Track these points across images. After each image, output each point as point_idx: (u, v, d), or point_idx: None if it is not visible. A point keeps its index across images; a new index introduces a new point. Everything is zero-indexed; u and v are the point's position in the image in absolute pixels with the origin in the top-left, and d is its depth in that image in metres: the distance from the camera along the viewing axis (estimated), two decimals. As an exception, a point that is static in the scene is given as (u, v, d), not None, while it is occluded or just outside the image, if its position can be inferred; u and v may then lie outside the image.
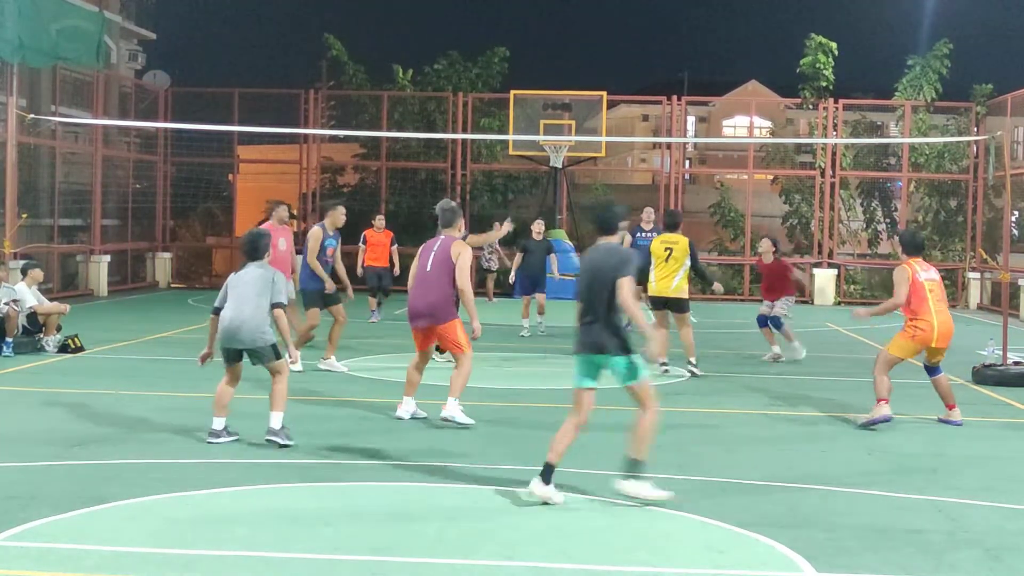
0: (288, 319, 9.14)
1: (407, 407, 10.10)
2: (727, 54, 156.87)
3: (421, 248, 10.09)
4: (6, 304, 14.05)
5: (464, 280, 9.69)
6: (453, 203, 10.61)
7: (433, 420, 9.97)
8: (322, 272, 12.91)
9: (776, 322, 15.22)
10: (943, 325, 10.31)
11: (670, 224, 13.84)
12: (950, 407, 10.65)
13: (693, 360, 13.43)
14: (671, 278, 13.30)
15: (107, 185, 26.35)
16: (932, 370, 10.68)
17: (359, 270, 18.97)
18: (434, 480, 7.81)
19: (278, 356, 8.95)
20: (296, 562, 5.91)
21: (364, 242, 19.00)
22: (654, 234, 18.94)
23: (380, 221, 19.24)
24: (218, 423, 8.96)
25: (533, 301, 17.61)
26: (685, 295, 13.42)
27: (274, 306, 8.91)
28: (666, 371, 13.29)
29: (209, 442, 8.82)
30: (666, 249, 13.37)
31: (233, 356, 9.01)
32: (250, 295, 8.87)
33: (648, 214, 18.97)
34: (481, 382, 10.60)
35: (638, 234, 18.43)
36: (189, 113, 28.28)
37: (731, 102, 54.30)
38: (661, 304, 13.45)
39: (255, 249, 9.13)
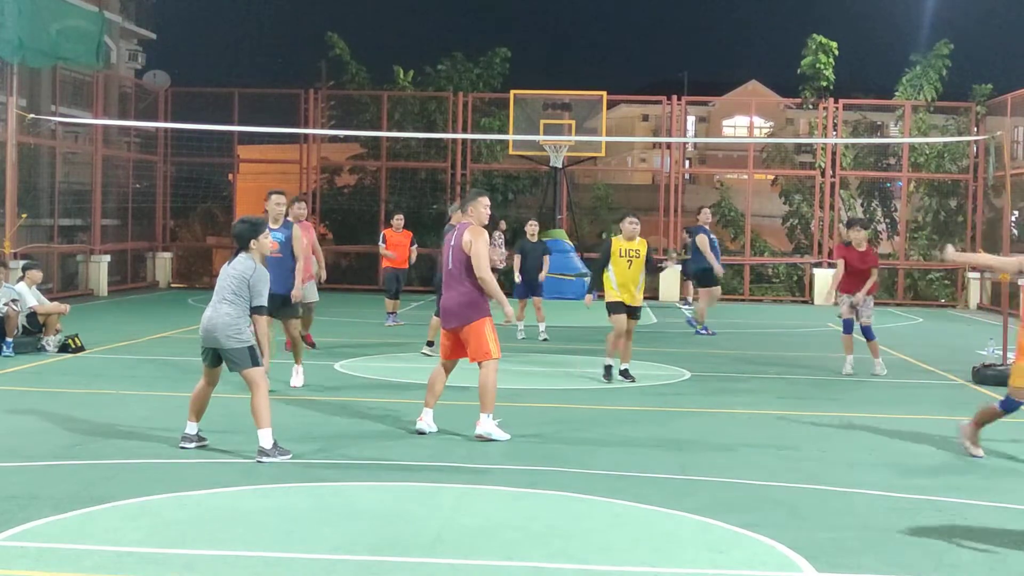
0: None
1: (428, 419, 9.41)
2: (727, 54, 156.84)
3: (444, 244, 9.64)
4: (6, 304, 14.06)
5: (482, 268, 9.09)
6: (477, 188, 10.36)
7: (440, 433, 9.98)
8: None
9: (869, 332, 13.72)
10: None
11: None
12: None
13: (607, 363, 12.75)
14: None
15: (107, 185, 26.37)
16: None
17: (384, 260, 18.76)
18: (434, 480, 7.81)
19: (255, 363, 8.39)
20: (296, 562, 5.90)
21: (384, 241, 18.70)
22: (714, 235, 18.77)
23: (399, 221, 18.84)
24: (191, 427, 8.65)
25: (529, 304, 17.17)
26: (607, 297, 12.77)
27: (252, 310, 8.42)
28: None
29: (182, 447, 8.61)
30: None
31: (210, 357, 8.55)
32: (227, 291, 8.45)
33: (706, 214, 18.92)
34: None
35: (710, 236, 18.46)
36: (189, 113, 28.32)
37: (731, 102, 54.32)
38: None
39: (236, 236, 8.65)
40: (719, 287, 18.49)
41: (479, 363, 9.23)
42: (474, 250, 9.10)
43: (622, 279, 12.55)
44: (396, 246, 18.59)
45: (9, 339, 13.93)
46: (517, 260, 17.16)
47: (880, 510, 7.29)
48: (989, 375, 13.22)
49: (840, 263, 13.84)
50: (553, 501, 7.31)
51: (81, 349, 14.34)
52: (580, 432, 9.75)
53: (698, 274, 18.78)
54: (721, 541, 6.48)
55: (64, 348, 14.25)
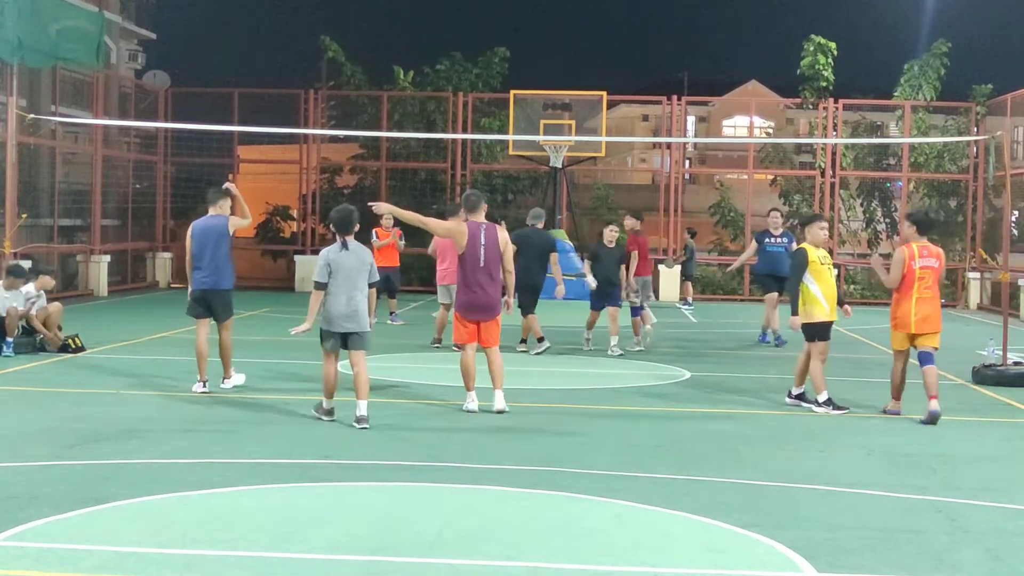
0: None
1: (475, 400, 10.51)
2: (727, 54, 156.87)
3: (466, 237, 10.38)
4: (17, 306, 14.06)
5: (511, 263, 10.62)
6: (475, 191, 11.43)
7: (437, 419, 9.99)
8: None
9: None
10: (921, 313, 10.61)
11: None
12: (932, 396, 10.53)
13: (821, 397, 11.21)
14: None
15: (107, 185, 26.36)
16: (923, 358, 10.66)
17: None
18: (434, 480, 7.81)
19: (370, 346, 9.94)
20: (296, 562, 5.90)
21: (377, 238, 18.56)
22: (784, 239, 16.78)
23: (388, 220, 18.83)
24: (327, 403, 9.89)
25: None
26: (807, 318, 11.13)
27: (371, 285, 9.94)
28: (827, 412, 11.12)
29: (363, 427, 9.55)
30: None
31: (342, 341, 9.78)
32: (361, 281, 9.77)
33: (775, 218, 17.34)
34: (482, 381, 10.61)
35: (766, 239, 16.85)
36: (189, 113, 28.29)
37: (731, 102, 54.33)
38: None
39: (348, 223, 9.90)
40: (775, 293, 16.81)
41: (490, 347, 10.54)
42: (509, 249, 10.57)
43: (828, 291, 11.12)
44: (385, 246, 18.41)
45: (9, 339, 13.92)
46: (586, 266, 15.74)
47: (880, 510, 7.29)
48: (989, 375, 13.22)
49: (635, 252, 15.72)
50: (553, 501, 7.31)
51: (81, 349, 14.34)
52: (580, 432, 9.76)
53: (759, 279, 17.91)
54: (721, 541, 6.48)
55: (64, 348, 14.24)
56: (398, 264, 18.81)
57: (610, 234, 15.56)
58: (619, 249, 15.65)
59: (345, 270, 9.60)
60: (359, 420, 9.54)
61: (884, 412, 11.04)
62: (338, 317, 9.60)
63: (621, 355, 15.08)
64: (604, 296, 15.49)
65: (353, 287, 9.61)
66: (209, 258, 11.21)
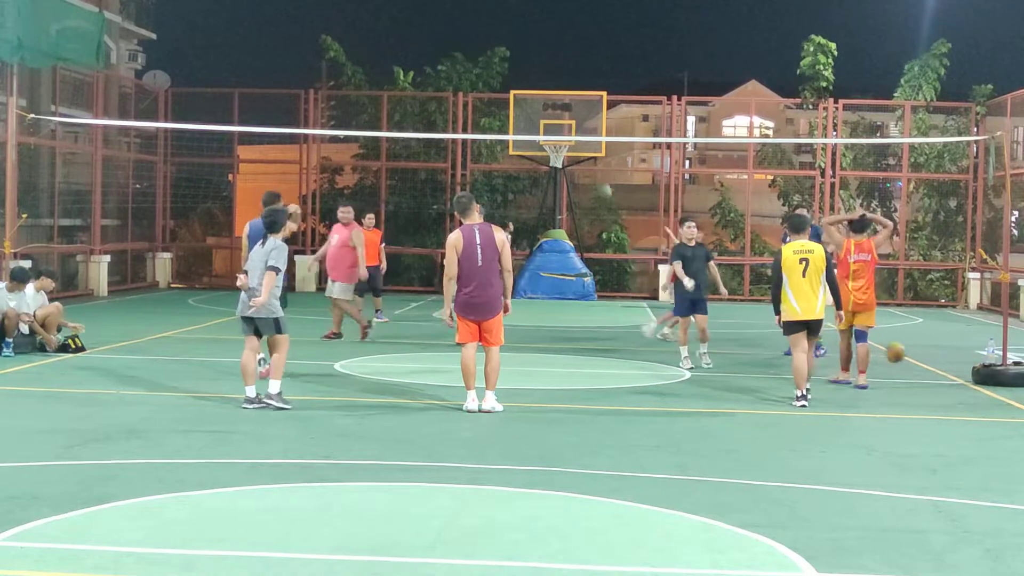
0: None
1: (476, 400, 10.52)
2: (727, 54, 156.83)
3: (462, 242, 10.38)
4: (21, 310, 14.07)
5: (510, 263, 10.63)
6: (465, 192, 11.62)
7: (442, 417, 10.00)
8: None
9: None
10: (858, 298, 12.46)
11: (797, 228, 11.77)
12: (861, 371, 12.65)
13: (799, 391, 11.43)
14: (815, 296, 11.34)
15: (107, 185, 26.36)
16: (858, 336, 12.61)
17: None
18: (434, 480, 7.81)
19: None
20: (296, 562, 5.91)
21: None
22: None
23: (370, 220, 18.70)
24: (250, 391, 10.37)
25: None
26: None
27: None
28: (803, 405, 11.32)
29: (243, 407, 10.26)
30: (801, 260, 11.35)
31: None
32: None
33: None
34: (482, 381, 10.62)
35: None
36: (189, 113, 28.29)
37: (731, 102, 54.32)
38: (802, 327, 11.45)
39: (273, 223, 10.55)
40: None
41: (490, 347, 10.52)
42: (507, 249, 10.56)
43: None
44: (366, 245, 18.34)
45: (9, 339, 13.92)
46: (678, 268, 14.09)
47: (880, 510, 7.29)
48: (989, 375, 13.21)
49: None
50: (553, 501, 7.31)
51: (81, 349, 14.33)
52: (580, 432, 9.76)
53: None
54: (721, 541, 6.48)
55: (64, 348, 14.24)
56: (379, 263, 18.75)
57: (689, 232, 14.27)
58: (702, 248, 14.51)
59: (252, 261, 10.49)
60: (267, 396, 10.28)
61: (833, 382, 12.79)
62: (241, 304, 10.47)
63: (710, 365, 14.11)
64: (691, 302, 14.14)
65: (255, 278, 10.36)
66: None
